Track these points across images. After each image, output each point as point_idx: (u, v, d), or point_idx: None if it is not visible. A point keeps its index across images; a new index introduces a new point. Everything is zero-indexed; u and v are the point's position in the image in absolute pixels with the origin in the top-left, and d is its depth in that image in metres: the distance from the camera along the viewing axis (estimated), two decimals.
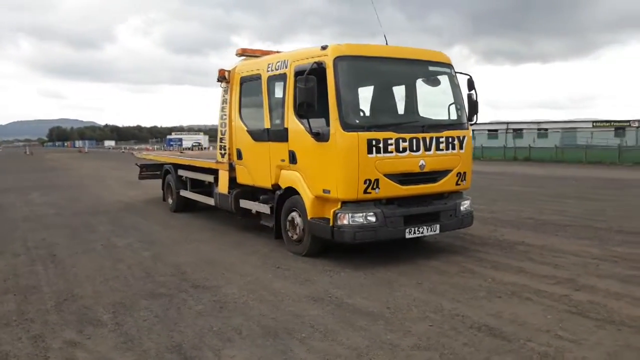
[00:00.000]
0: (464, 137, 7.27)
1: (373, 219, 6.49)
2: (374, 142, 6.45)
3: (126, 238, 8.88)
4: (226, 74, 8.87)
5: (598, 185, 16.87)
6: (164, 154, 14.78)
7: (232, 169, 8.90)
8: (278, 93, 7.68)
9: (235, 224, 9.84)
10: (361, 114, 6.91)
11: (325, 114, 6.58)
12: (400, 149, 6.63)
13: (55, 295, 5.80)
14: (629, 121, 58.94)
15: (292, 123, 7.18)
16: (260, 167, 7.97)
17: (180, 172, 11.32)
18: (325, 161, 6.63)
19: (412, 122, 7.00)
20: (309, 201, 6.93)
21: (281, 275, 6.42)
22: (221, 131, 9.16)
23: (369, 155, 6.44)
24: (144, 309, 5.28)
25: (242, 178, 8.66)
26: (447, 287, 5.79)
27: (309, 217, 6.93)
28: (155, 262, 7.19)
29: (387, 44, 7.50)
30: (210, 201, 10.01)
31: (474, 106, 7.44)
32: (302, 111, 6.44)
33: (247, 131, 8.31)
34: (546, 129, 61.27)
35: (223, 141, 9.10)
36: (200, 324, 4.81)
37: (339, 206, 6.57)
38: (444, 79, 7.37)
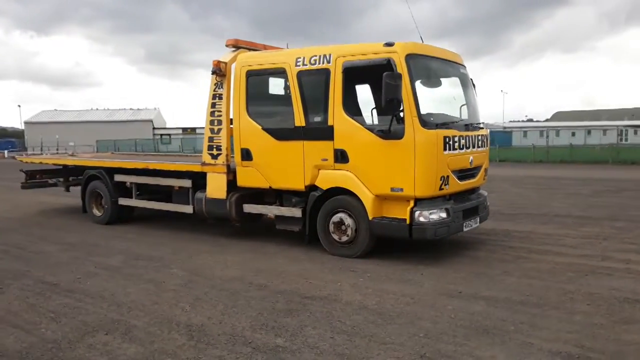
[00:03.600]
0: (487, 136, 7.88)
1: (444, 214, 6.67)
2: (446, 140, 6.63)
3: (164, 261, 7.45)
4: (222, 66, 8.02)
5: None
6: (85, 157, 12.30)
7: (229, 171, 8.11)
8: (315, 89, 7.30)
9: (225, 231, 8.96)
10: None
11: (386, 111, 6.53)
12: (461, 146, 6.94)
13: None
14: None
15: (341, 120, 6.94)
16: (287, 167, 7.46)
17: (120, 177, 9.77)
18: (395, 159, 6.57)
19: (464, 121, 7.30)
20: (370, 201, 6.79)
21: (370, 278, 6.19)
22: (211, 129, 8.25)
23: (444, 152, 6.61)
24: (299, 328, 4.68)
25: (248, 181, 7.96)
26: (539, 273, 6.29)
27: (370, 217, 6.78)
28: (258, 286, 6.26)
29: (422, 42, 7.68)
30: (183, 209, 8.91)
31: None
32: (390, 108, 6.29)
33: (264, 129, 7.66)
34: None
35: (215, 141, 8.22)
36: (398, 332, 4.48)
37: (412, 204, 6.58)
38: (468, 80, 7.87)
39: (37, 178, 11.64)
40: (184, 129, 68.35)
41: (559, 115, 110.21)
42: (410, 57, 6.53)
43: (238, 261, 7.11)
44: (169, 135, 66.42)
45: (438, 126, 6.60)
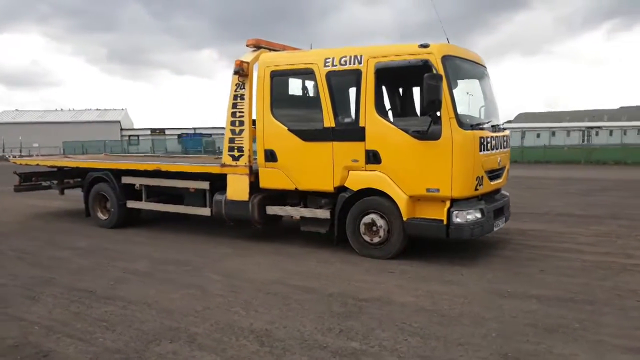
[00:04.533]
0: (509, 137, 8.01)
1: (479, 214, 6.74)
2: (481, 140, 6.71)
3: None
4: (244, 66, 7.89)
5: None
6: (80, 158, 11.83)
7: (251, 172, 8.00)
8: (345, 90, 7.28)
9: (240, 233, 8.82)
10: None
11: (426, 112, 6.57)
12: (492, 147, 7.03)
13: None
14: None
15: (373, 121, 6.93)
16: (316, 168, 7.40)
17: (128, 179, 9.50)
18: (431, 160, 6.60)
19: (492, 122, 7.38)
20: (404, 202, 6.80)
21: (411, 279, 6.20)
22: (232, 130, 8.11)
23: (480, 153, 6.68)
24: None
25: (272, 182, 7.86)
26: (574, 271, 6.43)
27: (404, 218, 6.79)
28: (305, 289, 6.14)
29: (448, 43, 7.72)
30: (199, 211, 8.74)
31: None
32: (431, 109, 6.30)
33: (290, 130, 7.57)
34: None
35: (236, 142, 8.08)
36: (469, 333, 4.49)
37: (448, 204, 6.62)
38: (490, 81, 7.96)
39: (32, 181, 11.20)
40: (153, 130, 67.08)
41: (522, 117, 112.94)
42: (445, 59, 6.58)
43: (269, 264, 7.01)
44: (137, 136, 65.14)
45: (473, 127, 6.67)
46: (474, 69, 7.46)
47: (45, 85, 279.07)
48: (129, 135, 65.02)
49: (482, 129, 6.83)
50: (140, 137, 63.91)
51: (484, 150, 6.78)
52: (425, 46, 6.63)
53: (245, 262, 7.13)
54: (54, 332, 4.68)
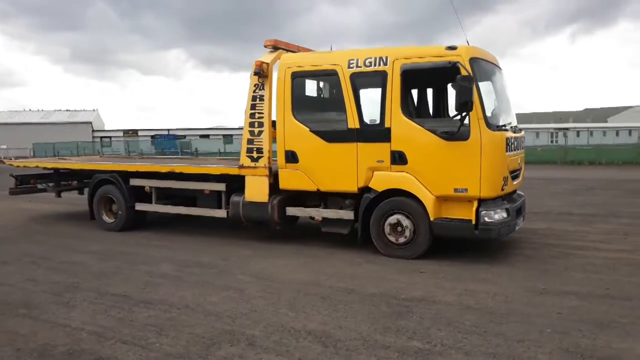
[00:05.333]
0: (525, 138, 8.18)
1: (505, 214, 6.86)
2: (507, 141, 6.85)
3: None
4: (264, 66, 7.86)
5: None
6: (75, 160, 11.52)
7: (270, 174, 7.97)
8: (370, 91, 7.32)
9: (254, 235, 8.76)
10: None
11: (459, 113, 6.65)
12: (514, 148, 7.18)
13: None
14: None
15: (400, 122, 7.00)
16: (339, 169, 7.42)
17: (137, 181, 9.33)
18: (459, 160, 6.69)
19: (512, 123, 7.52)
20: (431, 202, 6.88)
21: (445, 278, 6.27)
22: (251, 132, 8.06)
23: (506, 153, 6.82)
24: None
25: (292, 183, 7.84)
26: (598, 268, 6.62)
27: (432, 218, 6.87)
28: (345, 290, 6.12)
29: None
30: (214, 213, 8.65)
31: None
32: (464, 110, 6.38)
33: (312, 132, 7.57)
34: None
35: (255, 143, 8.03)
36: (524, 330, 4.58)
37: (476, 205, 6.73)
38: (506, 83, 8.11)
39: (30, 183, 10.89)
40: (126, 131, 65.84)
41: None
42: (473, 60, 6.68)
43: (296, 265, 6.99)
44: (110, 137, 63.94)
45: (499, 128, 6.79)
46: (495, 71, 7.59)
47: (8, 85, 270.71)
48: (101, 137, 63.79)
49: (507, 129, 6.96)
50: (112, 139, 62.80)
51: (509, 151, 6.91)
52: (452, 48, 6.72)
53: (271, 263, 7.09)
54: (105, 338, 4.57)
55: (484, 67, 7.04)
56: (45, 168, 10.93)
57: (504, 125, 6.99)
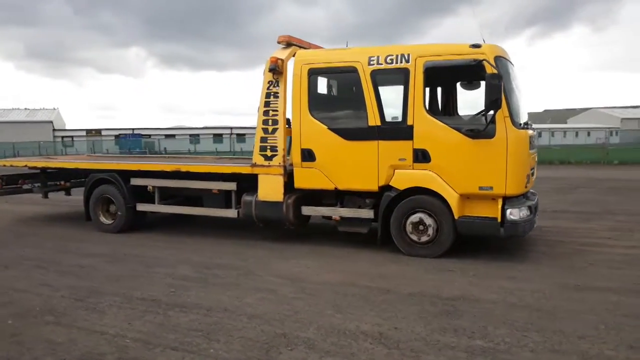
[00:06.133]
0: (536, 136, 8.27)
1: (528, 211, 6.90)
2: (530, 139, 6.89)
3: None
4: (279, 63, 7.67)
5: None
6: (67, 159, 10.95)
7: (285, 172, 7.79)
8: (392, 88, 7.25)
9: (264, 235, 8.55)
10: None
11: (487, 111, 6.61)
12: (533, 146, 7.24)
13: None
14: None
15: (422, 120, 6.95)
16: (359, 168, 7.31)
17: (138, 180, 8.98)
18: (485, 158, 6.68)
19: (528, 121, 7.56)
20: (455, 200, 6.85)
21: (476, 276, 6.25)
22: (264, 129, 7.85)
23: (529, 151, 6.86)
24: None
25: (308, 182, 7.69)
26: (620, 264, 6.73)
27: (456, 216, 6.84)
28: (382, 290, 5.97)
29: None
30: (223, 213, 8.41)
31: None
32: (493, 107, 6.37)
33: (330, 129, 7.44)
34: None
35: (269, 141, 7.84)
36: (578, 326, 4.58)
37: (501, 202, 6.74)
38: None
39: (18, 183, 10.34)
40: (88, 131, 63.92)
41: None
42: (497, 59, 6.69)
43: (319, 265, 6.84)
44: (72, 137, 61.97)
45: (522, 126, 6.83)
46: (513, 69, 7.63)
47: None
48: (62, 137, 61.70)
49: (528, 128, 7.00)
50: (74, 138, 60.90)
51: (530, 149, 6.96)
52: (477, 46, 6.71)
53: (293, 264, 6.92)
54: (153, 345, 4.33)
55: (505, 66, 7.06)
56: (35, 167, 10.39)
57: (526, 124, 7.03)
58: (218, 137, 63.35)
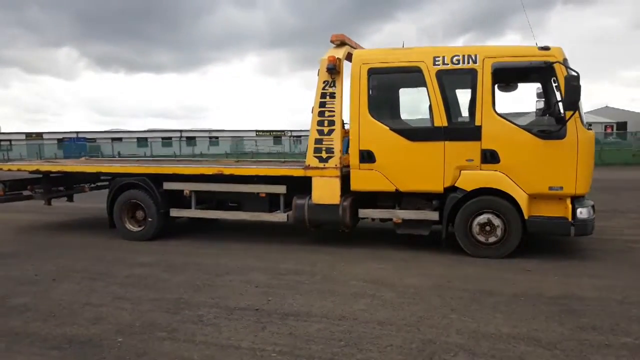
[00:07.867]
0: None
1: (592, 211, 7.08)
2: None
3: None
4: (337, 62, 7.49)
5: None
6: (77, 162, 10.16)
7: (341, 174, 7.62)
8: (458, 89, 7.25)
9: (305, 239, 8.31)
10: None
11: (566, 112, 6.69)
12: None
13: None
14: (283, 131, 69.34)
15: (492, 120, 6.99)
16: (423, 169, 7.25)
17: (172, 185, 8.51)
18: (555, 158, 6.79)
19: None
20: (525, 200, 6.92)
21: (557, 275, 6.31)
22: (320, 131, 7.65)
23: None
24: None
25: (366, 184, 7.55)
26: None
27: (526, 216, 6.91)
28: (482, 292, 5.84)
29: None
30: (271, 217, 8.11)
31: None
32: (572, 108, 6.48)
33: (392, 130, 7.35)
34: (217, 137, 66.39)
35: (324, 143, 7.64)
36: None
37: (570, 202, 6.87)
38: None
39: (27, 189, 9.54)
40: (28, 134, 60.47)
41: None
42: (565, 61, 6.82)
43: (395, 268, 6.71)
44: (10, 141, 58.51)
45: (589, 127, 7.00)
46: None
47: None
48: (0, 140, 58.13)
49: (591, 129, 7.18)
50: (12, 142, 57.55)
51: None
52: (546, 49, 6.81)
53: (368, 268, 6.75)
54: (304, 357, 4.07)
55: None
56: (48, 172, 9.59)
57: (590, 125, 7.21)
58: (167, 141, 61.62)
